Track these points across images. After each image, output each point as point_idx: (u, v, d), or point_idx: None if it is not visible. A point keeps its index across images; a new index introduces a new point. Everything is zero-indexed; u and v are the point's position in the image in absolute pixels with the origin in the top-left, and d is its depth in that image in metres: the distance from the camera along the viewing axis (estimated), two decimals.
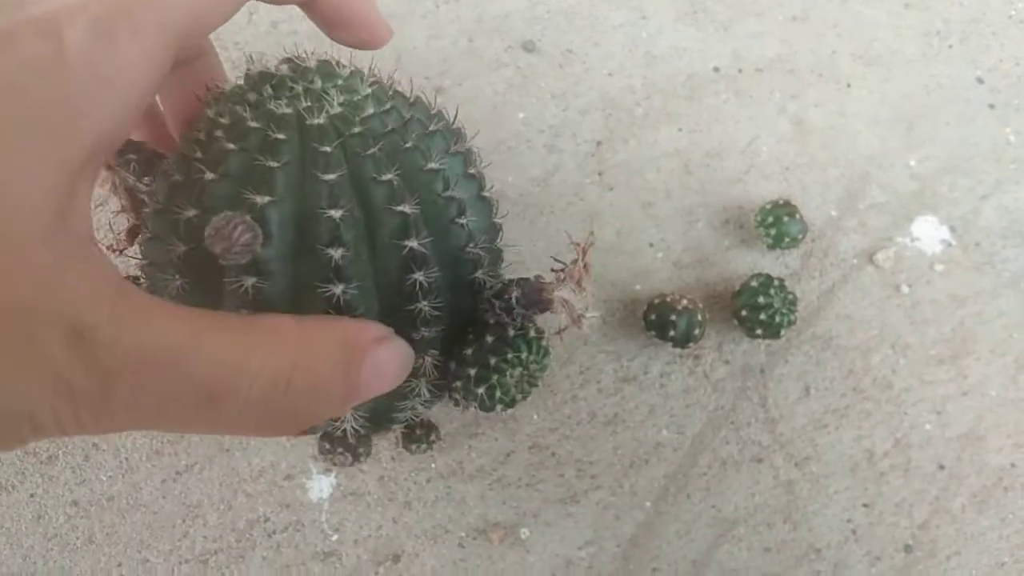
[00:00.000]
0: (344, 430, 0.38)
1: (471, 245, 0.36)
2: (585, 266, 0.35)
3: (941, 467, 0.57)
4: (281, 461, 0.54)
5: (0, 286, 0.22)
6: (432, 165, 0.34)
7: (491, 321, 0.36)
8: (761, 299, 0.55)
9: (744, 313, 0.55)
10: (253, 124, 0.31)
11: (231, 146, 0.31)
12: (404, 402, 0.39)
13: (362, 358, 0.30)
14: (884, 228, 0.62)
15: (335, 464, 0.45)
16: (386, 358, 0.31)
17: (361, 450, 0.45)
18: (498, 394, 0.37)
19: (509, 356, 0.36)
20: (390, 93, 0.35)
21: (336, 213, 0.30)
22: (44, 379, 0.23)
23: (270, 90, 0.32)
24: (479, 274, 0.37)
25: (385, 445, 0.54)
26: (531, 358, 0.37)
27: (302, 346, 0.28)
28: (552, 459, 0.55)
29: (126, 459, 0.53)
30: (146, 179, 0.35)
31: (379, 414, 0.40)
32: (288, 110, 0.31)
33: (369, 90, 0.33)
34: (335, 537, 0.53)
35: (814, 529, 0.55)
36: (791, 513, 0.55)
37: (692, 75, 0.64)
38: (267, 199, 0.30)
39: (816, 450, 0.57)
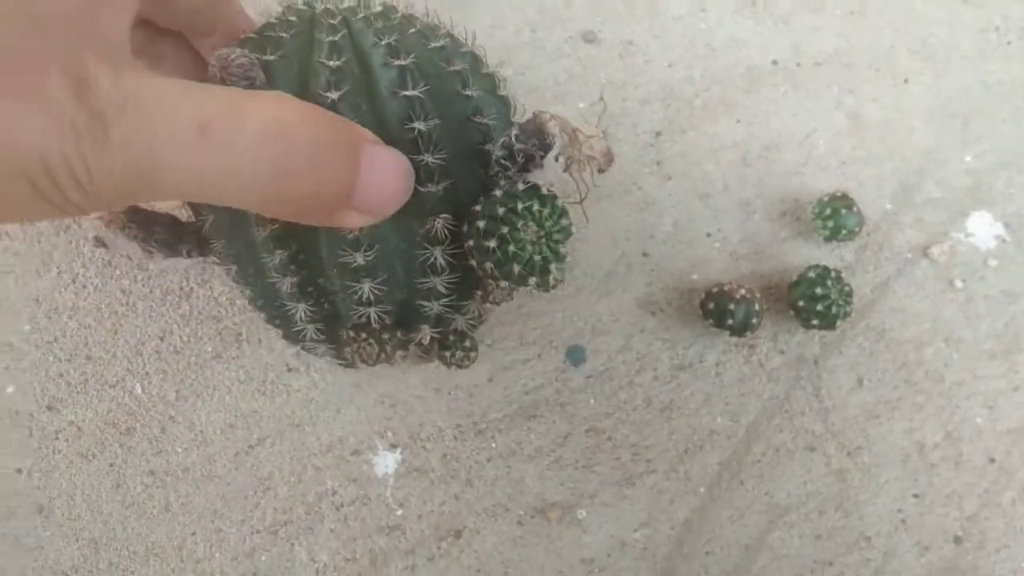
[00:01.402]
0: (368, 315, 0.40)
1: (478, 116, 0.38)
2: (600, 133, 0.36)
3: (992, 460, 0.58)
4: (349, 436, 0.56)
5: (30, 34, 0.25)
6: (435, 44, 0.38)
7: (500, 181, 0.37)
8: (818, 290, 0.56)
9: (801, 304, 0.56)
10: (273, 21, 0.38)
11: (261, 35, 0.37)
12: (425, 281, 0.39)
13: (362, 145, 0.31)
14: (939, 223, 0.63)
15: (362, 358, 0.42)
16: (386, 157, 0.32)
17: (388, 343, 0.42)
18: (512, 249, 0.36)
19: (519, 208, 0.36)
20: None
21: (334, 63, 0.34)
22: (51, 116, 0.25)
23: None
24: (488, 146, 0.38)
25: (446, 423, 0.56)
26: (544, 212, 0.37)
27: (308, 108, 0.29)
28: (608, 443, 0.57)
29: (201, 432, 0.55)
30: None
31: (406, 308, 0.41)
32: (303, 6, 0.38)
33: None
34: (399, 512, 0.55)
35: (865, 518, 0.56)
36: (842, 501, 0.57)
37: (751, 67, 0.65)
38: (275, 55, 0.35)
39: (868, 440, 0.58)
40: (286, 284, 0.40)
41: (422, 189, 0.35)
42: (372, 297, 0.39)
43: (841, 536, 0.56)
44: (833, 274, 0.56)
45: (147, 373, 0.56)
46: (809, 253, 0.61)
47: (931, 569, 0.56)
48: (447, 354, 0.49)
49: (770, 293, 0.60)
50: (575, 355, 0.58)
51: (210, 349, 0.56)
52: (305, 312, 0.41)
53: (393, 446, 0.56)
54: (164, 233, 0.43)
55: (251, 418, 0.56)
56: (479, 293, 0.43)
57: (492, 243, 0.36)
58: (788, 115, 0.64)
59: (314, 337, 0.44)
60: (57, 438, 0.55)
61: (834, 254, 0.61)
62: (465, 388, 0.57)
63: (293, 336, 0.46)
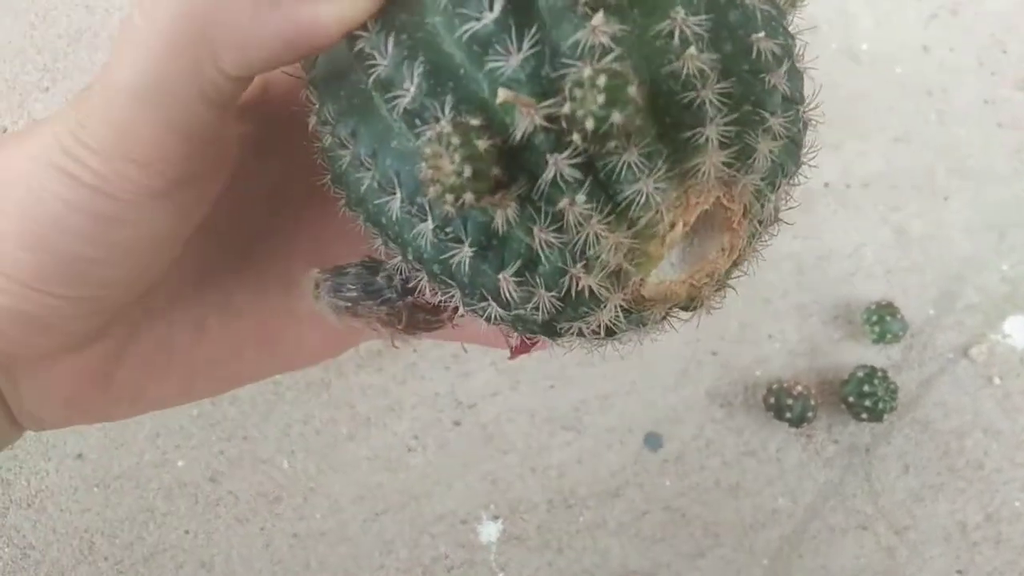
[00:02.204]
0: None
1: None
2: None
3: None
4: (459, 508, 0.65)
5: None
6: None
7: None
8: (866, 388, 0.64)
9: (851, 399, 0.65)
10: None
11: None
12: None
13: None
14: (978, 326, 0.70)
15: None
16: None
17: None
18: None
19: None
20: None
21: None
22: None
23: None
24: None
25: (540, 499, 0.66)
26: None
27: None
28: (682, 519, 0.65)
29: (336, 501, 0.66)
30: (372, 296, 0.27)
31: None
32: None
33: None
34: (501, 574, 0.64)
35: None
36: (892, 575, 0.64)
37: (805, 189, 0.74)
38: None
39: (914, 520, 0.65)
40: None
41: None
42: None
43: None
44: (880, 374, 0.65)
45: (293, 451, 0.67)
46: (860, 353, 0.69)
47: None
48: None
49: (825, 388, 0.68)
50: (652, 441, 0.67)
51: (344, 431, 0.67)
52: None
53: (495, 517, 0.65)
54: (355, 268, 0.28)
55: (377, 490, 0.66)
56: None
57: None
58: (839, 230, 0.73)
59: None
60: (218, 505, 0.66)
61: (882, 354, 0.69)
62: (557, 468, 0.66)
63: (470, 292, 0.24)
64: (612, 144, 0.20)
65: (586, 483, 0.66)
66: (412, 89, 0.21)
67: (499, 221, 0.21)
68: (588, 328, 0.24)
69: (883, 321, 0.67)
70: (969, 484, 0.66)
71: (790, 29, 0.24)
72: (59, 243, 0.25)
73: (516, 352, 0.32)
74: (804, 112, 0.24)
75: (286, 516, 0.66)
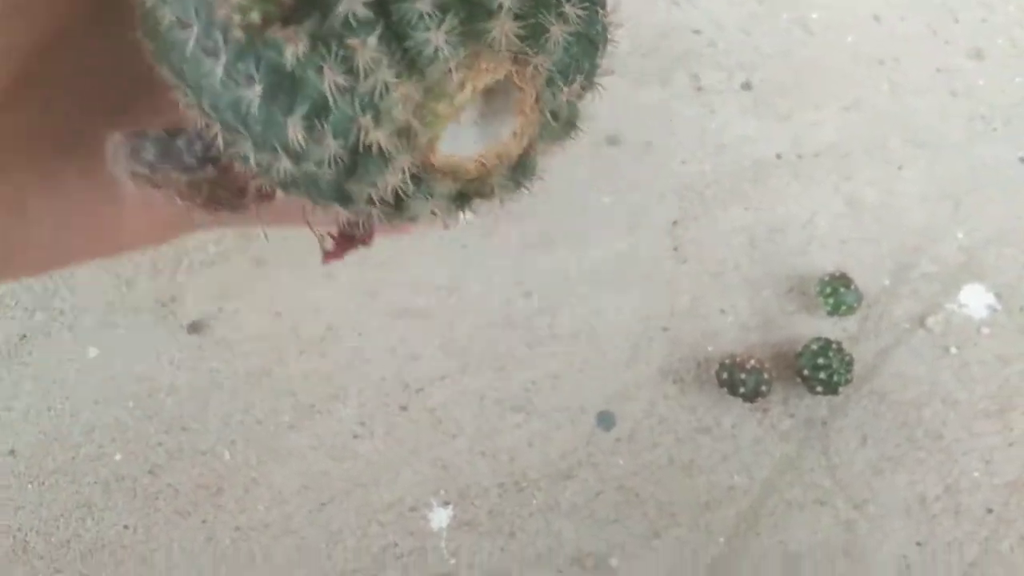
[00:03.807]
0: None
1: None
2: None
3: (990, 511, 0.64)
4: (407, 495, 0.63)
5: None
6: None
7: None
8: (821, 360, 0.63)
9: (806, 372, 0.63)
10: None
11: None
12: None
13: None
14: (934, 295, 0.69)
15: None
16: None
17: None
18: None
19: None
20: None
21: None
22: None
23: None
24: None
25: (491, 483, 0.64)
26: None
27: None
28: (636, 499, 0.64)
29: (279, 492, 0.64)
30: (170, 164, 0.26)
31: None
32: None
33: None
34: (453, 561, 0.62)
35: (872, 564, 0.62)
36: (850, 550, 0.63)
37: (756, 160, 0.73)
38: None
39: (873, 493, 0.64)
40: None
41: None
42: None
43: None
44: (834, 345, 0.63)
45: (234, 441, 0.64)
46: (815, 325, 0.68)
47: None
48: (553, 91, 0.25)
49: (779, 362, 0.67)
50: (605, 420, 0.65)
51: (287, 419, 0.65)
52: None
53: (446, 503, 0.64)
54: (155, 133, 0.27)
55: (322, 480, 0.64)
56: None
57: None
58: (792, 202, 0.72)
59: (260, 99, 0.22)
60: (157, 498, 0.64)
61: (837, 326, 0.68)
62: (507, 451, 0.65)
63: (261, 143, 0.24)
64: None
65: (537, 465, 0.64)
66: None
67: (289, 56, 0.20)
68: (377, 194, 0.24)
69: (837, 292, 0.66)
70: (928, 455, 0.65)
71: None
72: None
73: (329, 257, 0.32)
74: (604, 17, 0.25)
75: (228, 508, 0.64)
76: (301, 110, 0.21)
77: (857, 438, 0.65)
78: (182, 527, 0.63)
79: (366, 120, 0.21)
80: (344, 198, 0.24)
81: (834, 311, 0.66)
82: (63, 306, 0.68)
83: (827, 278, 0.66)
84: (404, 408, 0.66)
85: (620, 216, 0.71)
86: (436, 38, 0.21)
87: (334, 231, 0.31)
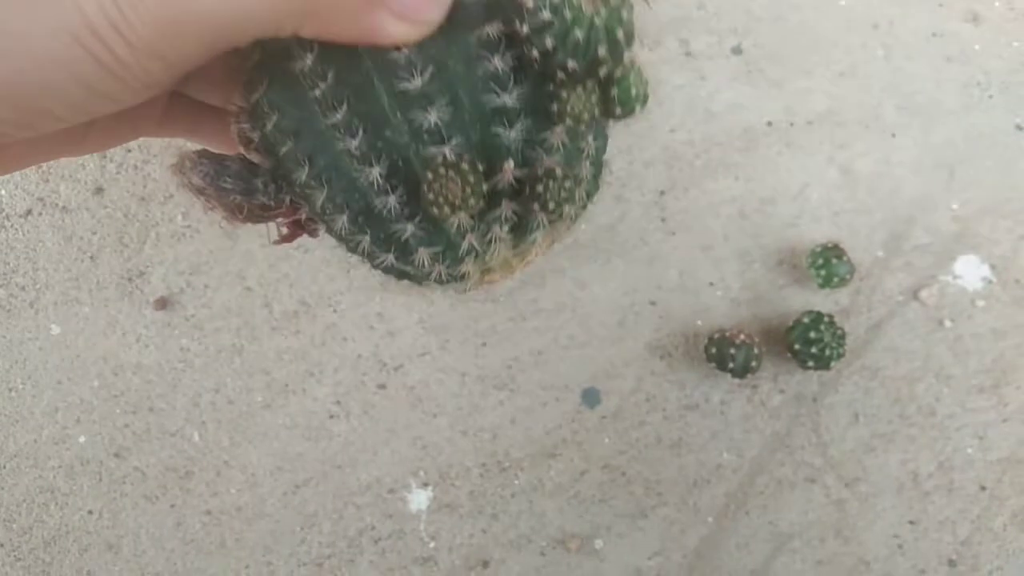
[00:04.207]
0: (443, 155, 0.34)
1: None
2: None
3: (983, 488, 0.62)
4: (385, 476, 0.61)
5: None
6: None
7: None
8: (812, 334, 0.61)
9: (797, 347, 0.61)
10: None
11: None
12: (492, 96, 0.35)
13: None
14: (928, 267, 0.67)
15: (447, 200, 0.36)
16: None
17: (470, 176, 0.35)
18: (569, 14, 0.34)
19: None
20: None
21: None
22: None
23: None
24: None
25: (472, 463, 0.62)
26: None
27: None
28: (622, 478, 0.62)
29: (252, 474, 0.61)
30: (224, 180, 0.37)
31: (485, 148, 0.35)
32: None
33: None
34: (432, 544, 0.60)
35: (863, 543, 0.61)
36: (842, 529, 0.61)
37: (747, 129, 0.71)
38: None
39: (865, 471, 0.62)
40: (353, 144, 0.35)
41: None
42: (439, 126, 0.34)
43: (841, 561, 0.60)
44: (826, 319, 0.61)
45: (204, 422, 0.62)
46: (806, 298, 0.66)
47: None
48: (540, 189, 0.36)
49: (770, 337, 0.65)
50: (590, 397, 0.63)
51: (260, 399, 0.62)
52: (379, 177, 0.35)
53: (425, 484, 0.61)
54: (237, 165, 0.39)
55: (297, 461, 0.61)
56: (555, 109, 0.36)
57: (545, 14, 0.32)
58: (783, 171, 0.69)
59: (396, 210, 0.35)
60: (124, 482, 0.61)
61: (829, 299, 0.66)
62: (489, 430, 0.62)
63: (383, 238, 0.37)
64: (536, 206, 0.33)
65: (520, 444, 0.62)
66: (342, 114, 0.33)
67: (452, 224, 0.33)
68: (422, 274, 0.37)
69: (829, 264, 0.63)
70: (921, 432, 0.63)
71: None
72: (38, 101, 0.28)
73: (281, 241, 0.38)
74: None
75: (198, 492, 0.61)
76: (435, 248, 0.35)
77: (848, 415, 0.64)
78: (150, 512, 0.61)
79: (469, 263, 0.35)
80: (402, 274, 0.39)
81: (826, 283, 0.64)
82: (24, 281, 0.65)
83: (819, 249, 0.64)
84: (382, 386, 0.63)
85: (605, 186, 0.68)
86: (538, 240, 0.36)
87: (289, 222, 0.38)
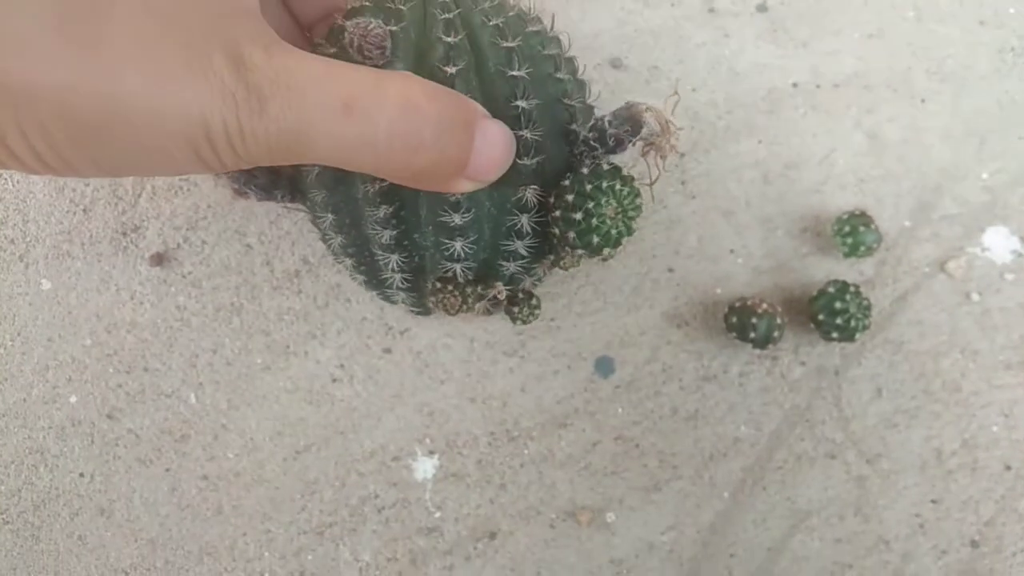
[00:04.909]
0: (454, 271, 0.45)
1: (566, 98, 0.43)
2: (670, 123, 0.40)
3: (1008, 468, 0.60)
4: (390, 443, 0.59)
5: (192, 15, 0.30)
6: (532, 28, 0.42)
7: (585, 159, 0.42)
8: (837, 304, 0.58)
9: (821, 317, 0.59)
10: None
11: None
12: (508, 244, 0.44)
13: (477, 120, 0.35)
14: (956, 238, 0.65)
15: (444, 307, 0.47)
16: (496, 130, 0.36)
17: (470, 296, 0.47)
18: (595, 222, 0.41)
19: (603, 185, 0.41)
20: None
21: (450, 39, 0.38)
22: (215, 90, 0.29)
23: None
24: (574, 126, 0.43)
25: (481, 431, 0.59)
26: (624, 191, 0.42)
27: (433, 88, 0.33)
28: (636, 450, 0.60)
29: (251, 439, 0.59)
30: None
31: (485, 267, 0.46)
32: None
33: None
34: (437, 514, 0.58)
35: (884, 522, 0.59)
36: (862, 507, 0.59)
37: (772, 90, 0.68)
38: (397, 26, 0.38)
39: (887, 448, 0.60)
40: (385, 236, 0.43)
41: (519, 161, 0.40)
42: (462, 254, 0.43)
43: (861, 540, 0.58)
44: (852, 289, 0.59)
45: (201, 384, 0.59)
46: (830, 268, 0.63)
47: (948, 572, 0.58)
48: (516, 310, 0.52)
49: (792, 307, 0.62)
50: (604, 366, 0.61)
51: (259, 361, 0.60)
52: (397, 263, 0.45)
53: (431, 452, 0.59)
54: (263, 178, 0.46)
55: (298, 426, 0.59)
56: (551, 258, 0.48)
57: (578, 215, 0.40)
58: (808, 135, 0.66)
59: (400, 285, 0.47)
60: (117, 445, 0.59)
61: (854, 268, 0.64)
62: (498, 397, 0.60)
63: (377, 283, 0.50)
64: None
65: (530, 413, 0.60)
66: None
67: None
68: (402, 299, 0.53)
69: (856, 232, 0.61)
70: (945, 408, 0.61)
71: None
72: (130, 170, 0.32)
73: (238, 193, 0.46)
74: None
75: (194, 456, 0.59)
76: (411, 295, 0.51)
77: (871, 389, 0.61)
78: (144, 476, 0.58)
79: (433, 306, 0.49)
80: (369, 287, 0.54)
81: (851, 252, 0.61)
82: (13, 234, 0.62)
83: (845, 216, 0.61)
84: (387, 351, 0.60)
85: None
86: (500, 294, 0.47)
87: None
